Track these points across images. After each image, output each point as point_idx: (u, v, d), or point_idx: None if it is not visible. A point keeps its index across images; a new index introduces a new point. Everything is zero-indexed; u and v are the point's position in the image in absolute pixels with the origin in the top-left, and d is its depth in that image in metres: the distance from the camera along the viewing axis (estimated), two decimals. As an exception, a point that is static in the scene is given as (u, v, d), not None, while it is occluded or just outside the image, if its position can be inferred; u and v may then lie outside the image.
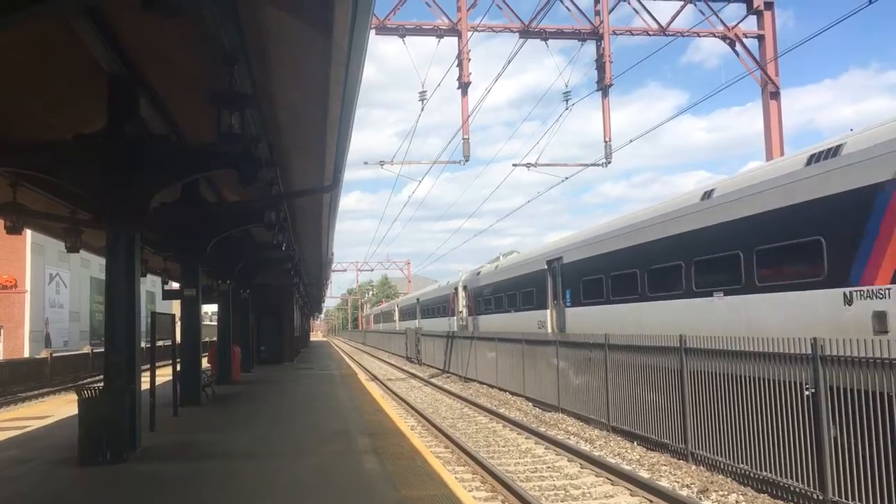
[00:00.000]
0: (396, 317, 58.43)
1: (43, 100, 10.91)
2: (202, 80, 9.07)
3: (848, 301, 8.84)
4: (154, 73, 10.13)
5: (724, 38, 22.72)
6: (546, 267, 20.88)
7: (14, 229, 14.59)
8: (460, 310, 32.14)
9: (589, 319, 17.14)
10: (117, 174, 10.13)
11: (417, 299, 46.75)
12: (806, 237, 9.74)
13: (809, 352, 8.38)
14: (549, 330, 20.25)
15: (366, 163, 28.08)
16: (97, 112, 10.25)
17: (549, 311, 20.58)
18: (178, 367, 15.70)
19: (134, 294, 10.48)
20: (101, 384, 10.41)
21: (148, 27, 8.17)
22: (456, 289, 30.46)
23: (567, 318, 19.01)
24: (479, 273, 29.23)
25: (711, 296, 11.96)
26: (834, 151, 9.44)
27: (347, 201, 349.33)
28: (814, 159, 9.81)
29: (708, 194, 12.54)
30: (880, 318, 8.27)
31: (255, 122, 10.20)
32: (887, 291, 8.28)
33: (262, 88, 9.30)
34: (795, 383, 8.71)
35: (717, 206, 12.00)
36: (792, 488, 8.66)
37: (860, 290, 8.67)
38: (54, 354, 32.07)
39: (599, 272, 16.83)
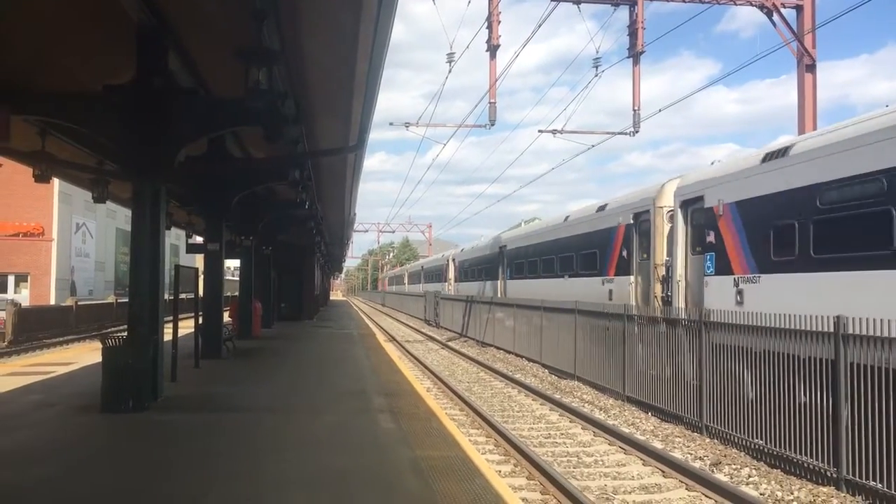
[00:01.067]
0: (406, 280, 67.72)
1: (71, 49, 10.92)
2: (231, 34, 9.04)
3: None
4: (183, 26, 10.10)
5: (761, 6, 22.13)
6: (499, 251, 28.59)
7: (42, 178, 14.74)
8: (449, 277, 39.91)
9: (520, 288, 24.38)
10: (144, 126, 10.18)
11: (422, 266, 55.46)
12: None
13: (831, 329, 8.31)
14: (498, 294, 28.17)
15: (391, 124, 28.18)
16: (126, 64, 10.27)
17: (499, 282, 27.06)
18: (201, 321, 15.94)
19: (158, 246, 10.61)
20: (125, 334, 10.60)
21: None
22: (448, 261, 37.12)
23: (508, 287, 25.54)
24: (462, 250, 36.05)
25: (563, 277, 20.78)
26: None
27: (371, 162, 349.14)
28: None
29: (566, 218, 21.74)
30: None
31: (283, 79, 10.17)
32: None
33: (291, 45, 9.23)
34: (813, 360, 8.66)
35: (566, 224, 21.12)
36: (806, 465, 8.66)
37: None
38: (79, 303, 32.64)
39: (529, 256, 24.70)
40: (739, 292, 11.76)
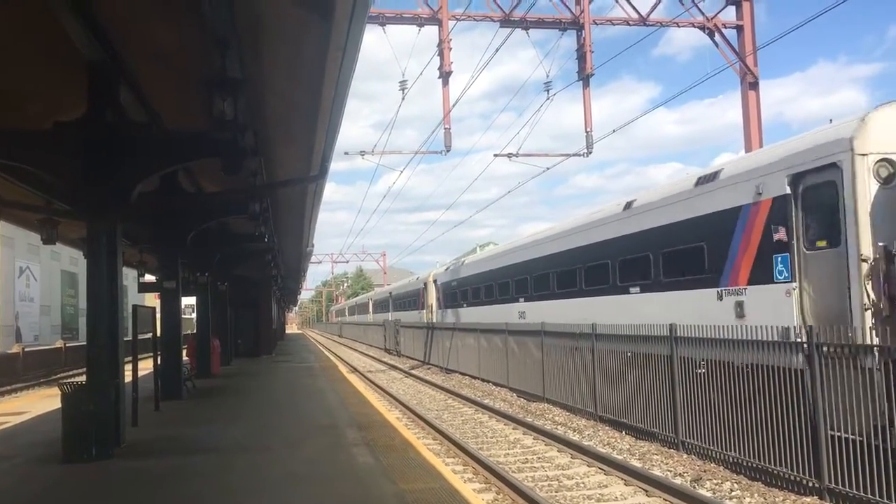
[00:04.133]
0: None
1: (18, 84, 10.55)
2: (189, 65, 8.84)
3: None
4: (136, 60, 9.85)
5: (703, 28, 22.79)
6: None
7: (-12, 220, 14.16)
8: (429, 303, 39.91)
9: (556, 311, 17.83)
10: (97, 163, 9.84)
11: (390, 293, 52.69)
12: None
13: (804, 339, 8.39)
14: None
15: (346, 153, 27.96)
16: (76, 99, 9.94)
17: (516, 305, 21.64)
18: (160, 361, 15.42)
19: (116, 287, 10.23)
20: (83, 379, 10.15)
21: (132, 9, 7.91)
22: (426, 283, 37.24)
23: (532, 311, 20.71)
24: (447, 269, 33.56)
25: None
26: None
27: (324, 193, 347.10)
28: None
29: (627, 205, 14.76)
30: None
31: (243, 111, 9.96)
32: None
33: (252, 74, 9.06)
34: (789, 370, 8.73)
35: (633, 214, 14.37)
36: (787, 476, 8.69)
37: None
38: (26, 349, 31.39)
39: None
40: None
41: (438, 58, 21.57)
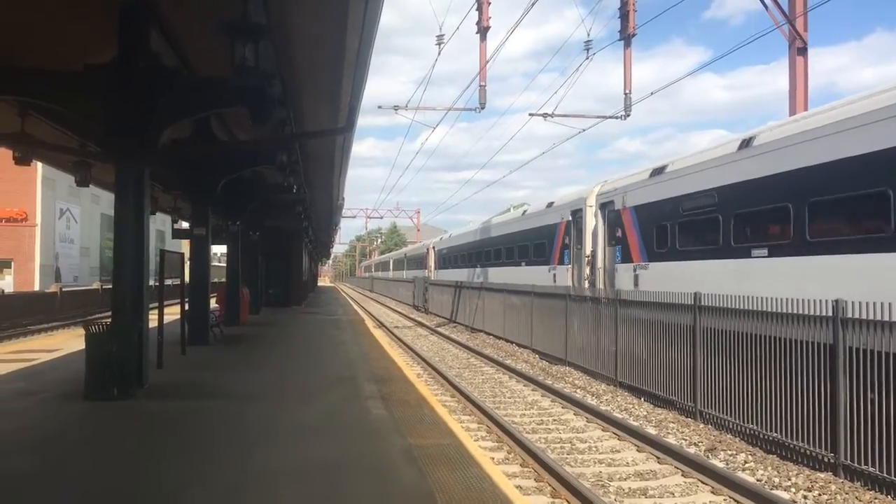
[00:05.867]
0: (391, 267, 74.22)
1: (51, 27, 10.58)
2: (216, 10, 8.73)
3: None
4: (166, 3, 9.79)
5: (753, -11, 21.94)
6: (469, 242, 33.63)
7: (22, 160, 14.40)
8: (429, 265, 46.45)
9: (489, 275, 28.52)
10: (126, 107, 9.87)
11: (405, 254, 64.34)
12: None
13: (830, 313, 8.19)
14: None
15: (380, 107, 27.74)
16: (107, 42, 9.93)
17: (475, 269, 31.36)
18: (187, 307, 15.68)
19: (142, 231, 10.34)
20: (110, 320, 10.34)
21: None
22: (427, 249, 45.95)
23: (479, 273, 30.29)
24: (440, 239, 44.71)
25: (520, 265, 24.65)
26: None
27: (361, 148, 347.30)
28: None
29: (524, 212, 25.84)
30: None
31: (269, 59, 9.88)
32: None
33: (277, 21, 8.93)
34: (811, 344, 8.54)
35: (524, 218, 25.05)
36: (802, 450, 8.56)
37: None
38: (64, 289, 32.25)
39: (495, 245, 28.65)
40: (635, 277, 15.54)
41: (477, 12, 21.21)
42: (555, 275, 20.80)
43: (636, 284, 15.21)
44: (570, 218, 19.85)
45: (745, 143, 11.90)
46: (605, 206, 17.55)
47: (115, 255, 10.51)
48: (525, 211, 25.99)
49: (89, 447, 7.39)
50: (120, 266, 10.28)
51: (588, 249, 18.43)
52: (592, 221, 18.36)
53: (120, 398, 9.49)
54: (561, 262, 20.51)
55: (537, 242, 22.69)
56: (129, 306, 10.11)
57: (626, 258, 16.07)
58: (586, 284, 18.02)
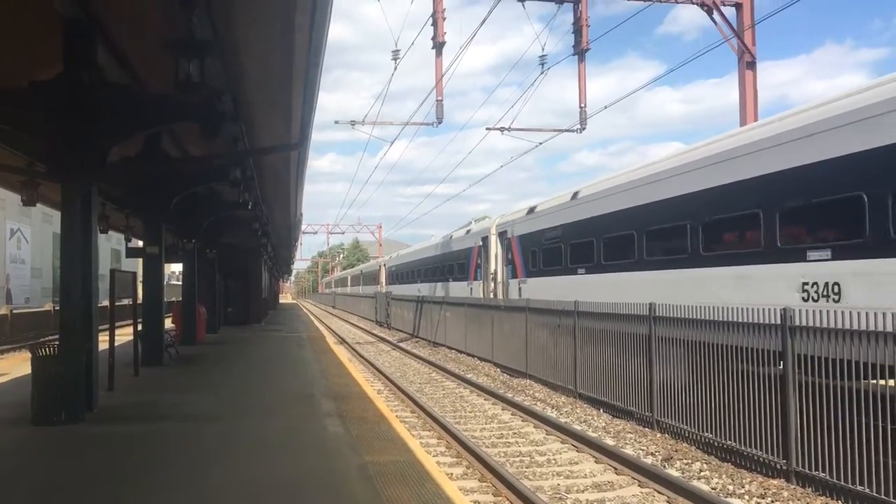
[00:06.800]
0: (333, 284, 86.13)
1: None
2: (161, 26, 8.60)
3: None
4: (112, 18, 9.60)
5: (701, 5, 22.42)
6: (408, 262, 40.37)
7: (-35, 181, 13.97)
8: (381, 280, 50.56)
9: (421, 288, 33.62)
10: (72, 124, 9.65)
11: (361, 271, 70.78)
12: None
13: (778, 321, 8.32)
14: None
15: (336, 122, 27.70)
16: (53, 58, 9.71)
17: (414, 284, 36.07)
18: (140, 327, 15.35)
19: (90, 250, 10.11)
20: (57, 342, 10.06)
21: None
22: (380, 266, 52.04)
23: (414, 287, 35.75)
24: (389, 258, 50.74)
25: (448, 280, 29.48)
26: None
27: (321, 163, 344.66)
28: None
29: (451, 237, 30.48)
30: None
31: (219, 74, 9.76)
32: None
33: (224, 36, 8.84)
34: (762, 352, 8.67)
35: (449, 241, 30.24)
36: (756, 457, 8.66)
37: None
38: (14, 311, 31.35)
39: (428, 265, 33.91)
40: (520, 288, 20.44)
41: (432, 28, 21.28)
42: (471, 289, 25.65)
43: (520, 294, 20.12)
44: (481, 243, 24.61)
45: (574, 195, 17.28)
46: (502, 235, 22.69)
47: (63, 275, 10.26)
48: (452, 236, 30.64)
49: (34, 472, 7.14)
50: (68, 286, 10.04)
51: (492, 268, 23.32)
52: (495, 247, 23.24)
53: (67, 422, 9.21)
54: (475, 279, 25.46)
55: (459, 262, 27.93)
56: (77, 327, 9.86)
57: (514, 275, 21.32)
58: (491, 295, 22.98)
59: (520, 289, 20.44)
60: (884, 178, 8.14)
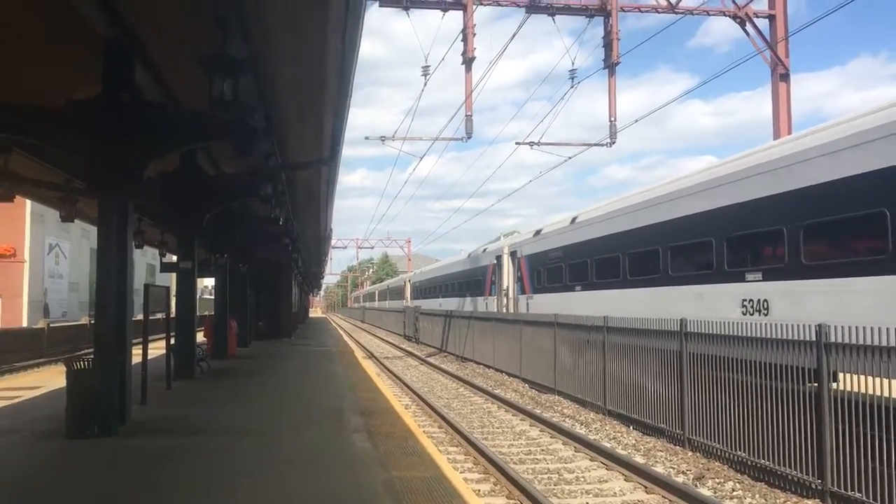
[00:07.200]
0: (376, 297, 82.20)
1: (35, 63, 10.62)
2: (199, 44, 8.78)
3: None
4: (150, 38, 9.85)
5: (734, 17, 22.30)
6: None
7: (5, 196, 14.35)
8: (406, 295, 52.58)
9: (444, 303, 35.98)
10: (110, 142, 9.88)
11: (387, 286, 73.43)
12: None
13: (814, 338, 8.19)
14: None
15: (367, 138, 27.76)
16: (91, 78, 9.96)
17: (436, 299, 38.63)
18: (173, 341, 15.55)
19: (125, 266, 10.29)
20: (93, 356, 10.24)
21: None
22: (405, 282, 54.24)
23: (437, 302, 37.91)
24: (414, 274, 54.02)
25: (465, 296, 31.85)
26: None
27: (352, 178, 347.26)
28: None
29: (469, 255, 32.90)
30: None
31: (251, 91, 9.92)
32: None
33: (258, 54, 9.01)
34: (796, 369, 8.53)
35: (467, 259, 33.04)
36: (790, 477, 8.50)
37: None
38: (52, 325, 31.97)
39: (449, 280, 37.02)
40: (528, 303, 22.55)
41: (462, 43, 21.41)
42: (487, 303, 27.95)
43: (528, 309, 22.33)
44: (496, 262, 26.67)
45: (573, 220, 19.36)
46: (513, 255, 24.79)
47: (98, 289, 10.46)
48: (469, 254, 32.95)
49: (68, 485, 7.26)
50: (103, 301, 10.23)
51: (505, 285, 25.51)
52: (507, 265, 25.34)
53: (101, 435, 9.35)
54: (490, 294, 27.66)
55: (476, 279, 30.29)
56: (111, 341, 10.03)
57: (523, 291, 23.45)
58: (504, 310, 25.02)
59: (527, 304, 22.57)
60: (795, 215, 10.10)
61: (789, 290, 10.15)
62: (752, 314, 10.75)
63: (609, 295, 16.22)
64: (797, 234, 10.02)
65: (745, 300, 11.07)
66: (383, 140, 23.32)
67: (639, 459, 10.32)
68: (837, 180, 9.32)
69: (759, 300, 10.76)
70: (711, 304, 11.87)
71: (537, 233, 22.61)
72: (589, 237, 17.70)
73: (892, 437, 7.12)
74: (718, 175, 12.20)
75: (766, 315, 10.44)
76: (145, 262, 57.19)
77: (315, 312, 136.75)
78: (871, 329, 7.46)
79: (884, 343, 7.28)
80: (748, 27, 22.34)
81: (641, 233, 14.67)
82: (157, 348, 17.05)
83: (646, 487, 8.92)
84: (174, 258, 25.44)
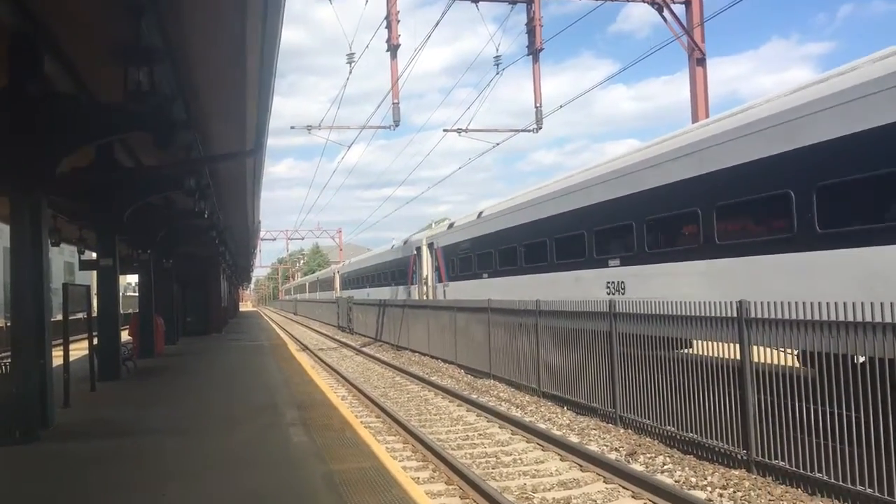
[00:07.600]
0: (307, 289, 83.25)
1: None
2: (111, 34, 8.44)
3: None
4: (59, 27, 9.38)
5: (652, 3, 22.76)
6: (358, 269, 45.42)
7: None
8: (336, 286, 54.66)
9: (371, 293, 37.84)
10: (20, 136, 9.42)
11: (317, 277, 75.67)
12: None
13: (735, 314, 8.47)
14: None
15: (293, 127, 27.30)
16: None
17: (364, 290, 40.85)
18: (96, 341, 15.02)
19: (41, 264, 9.88)
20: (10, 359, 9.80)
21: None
22: (334, 273, 56.86)
23: (364, 292, 40.36)
24: (342, 265, 56.31)
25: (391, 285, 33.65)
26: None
27: (279, 169, 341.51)
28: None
29: (392, 246, 34.73)
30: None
31: (170, 82, 9.60)
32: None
33: (175, 43, 8.71)
34: (721, 345, 8.82)
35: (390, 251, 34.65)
36: (717, 448, 8.81)
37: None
38: (-37, 329, 30.39)
39: (375, 271, 38.55)
40: (444, 290, 24.19)
41: (387, 30, 21.24)
42: (409, 292, 29.61)
43: (445, 295, 23.95)
44: (416, 252, 28.31)
45: (479, 214, 21.40)
46: (431, 245, 26.43)
47: (13, 290, 9.98)
48: (393, 246, 34.61)
49: (-13, 497, 6.94)
50: (18, 301, 9.80)
51: (424, 274, 27.17)
52: (425, 256, 27.02)
53: (22, 441, 8.99)
54: (412, 283, 29.31)
55: (400, 269, 31.78)
56: (30, 343, 9.63)
57: (440, 279, 25.19)
58: (424, 297, 26.61)
59: (444, 291, 24.39)
60: (639, 213, 12.36)
61: (639, 273, 12.46)
62: (613, 293, 13.00)
63: (511, 280, 18.25)
64: (642, 229, 12.31)
65: (609, 282, 13.30)
66: (310, 129, 22.99)
67: (573, 439, 10.53)
68: (654, 188, 12.00)
69: (618, 282, 13.04)
70: (586, 287, 13.98)
71: (451, 226, 24.69)
72: (493, 230, 19.78)
73: (810, 407, 7.45)
74: (589, 178, 14.51)
75: (623, 294, 12.73)
76: (63, 259, 54.93)
77: (246, 306, 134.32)
78: (787, 304, 7.77)
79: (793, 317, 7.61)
80: (665, 13, 22.86)
81: (534, 226, 16.82)
82: (80, 349, 16.43)
83: (581, 466, 9.10)
84: (94, 255, 24.57)
